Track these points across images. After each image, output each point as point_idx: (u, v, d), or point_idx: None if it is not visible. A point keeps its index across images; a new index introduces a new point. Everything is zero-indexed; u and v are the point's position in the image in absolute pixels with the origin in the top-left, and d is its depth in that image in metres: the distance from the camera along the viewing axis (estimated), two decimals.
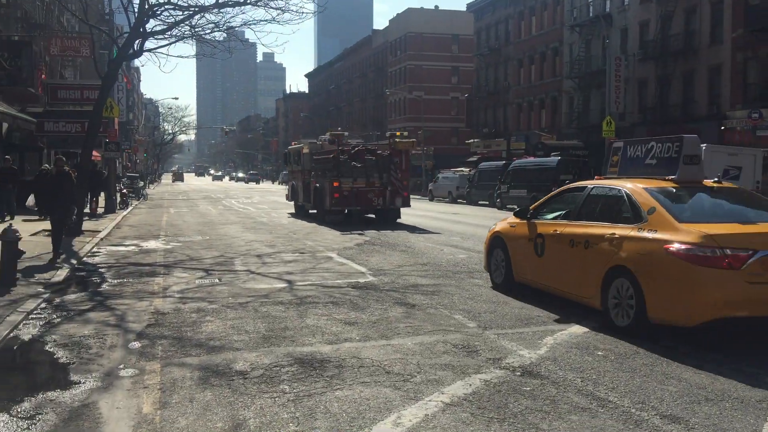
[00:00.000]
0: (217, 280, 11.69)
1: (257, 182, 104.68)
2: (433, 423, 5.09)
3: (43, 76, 31.87)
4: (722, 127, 36.23)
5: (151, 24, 20.11)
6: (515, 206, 23.47)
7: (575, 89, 49.70)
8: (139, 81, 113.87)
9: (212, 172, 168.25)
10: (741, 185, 23.63)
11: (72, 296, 10.30)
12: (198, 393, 5.75)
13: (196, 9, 19.41)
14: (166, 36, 19.99)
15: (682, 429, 5.02)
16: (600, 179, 9.87)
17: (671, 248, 7.20)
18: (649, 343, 7.37)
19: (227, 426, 5.05)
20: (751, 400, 5.65)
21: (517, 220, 10.38)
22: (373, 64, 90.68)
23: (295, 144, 31.97)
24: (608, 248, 8.02)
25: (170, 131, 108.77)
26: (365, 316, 8.72)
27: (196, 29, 19.97)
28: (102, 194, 28.33)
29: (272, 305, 9.40)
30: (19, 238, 10.83)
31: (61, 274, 11.73)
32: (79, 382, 6.06)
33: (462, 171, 49.24)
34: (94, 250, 15.98)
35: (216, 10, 19.60)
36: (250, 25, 20.56)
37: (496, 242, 10.80)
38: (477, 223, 24.06)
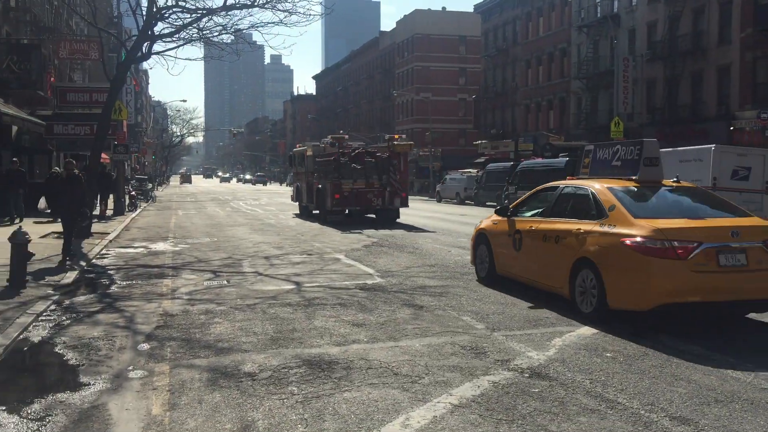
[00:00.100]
0: (225, 282, 11.71)
1: (264, 184, 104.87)
2: (441, 424, 5.08)
3: (52, 79, 32.05)
4: (731, 128, 36.06)
5: (160, 27, 20.18)
6: None
7: (583, 90, 49.58)
8: (148, 83, 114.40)
9: (220, 174, 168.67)
10: (750, 186, 23.73)
11: (81, 298, 10.35)
12: (207, 394, 5.76)
13: (204, 12, 19.47)
14: (174, 39, 20.06)
15: (692, 431, 5.00)
16: (571, 179, 10.66)
17: (627, 241, 7.96)
18: (658, 344, 7.35)
19: (236, 427, 5.06)
20: (761, 401, 5.62)
21: (499, 218, 11.18)
22: (381, 65, 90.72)
23: (299, 146, 32.71)
24: (575, 242, 8.81)
25: (178, 133, 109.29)
26: (373, 317, 8.72)
27: (204, 32, 20.03)
28: (111, 196, 28.45)
29: (280, 307, 9.42)
30: (29, 241, 10.88)
31: (70, 276, 11.78)
32: (89, 384, 6.08)
33: (470, 172, 49.19)
34: (103, 252, 16.04)
35: (224, 12, 19.66)
36: (257, 27, 20.60)
37: (481, 239, 11.64)
38: None
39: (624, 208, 8.46)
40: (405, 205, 25.29)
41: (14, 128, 25.38)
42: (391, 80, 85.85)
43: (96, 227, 20.20)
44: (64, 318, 8.86)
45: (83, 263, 13.44)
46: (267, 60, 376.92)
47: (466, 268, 13.06)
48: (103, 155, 28.41)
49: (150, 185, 51.55)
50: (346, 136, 28.60)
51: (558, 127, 52.85)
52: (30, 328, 8.20)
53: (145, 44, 20.32)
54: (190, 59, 23.28)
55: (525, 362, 6.68)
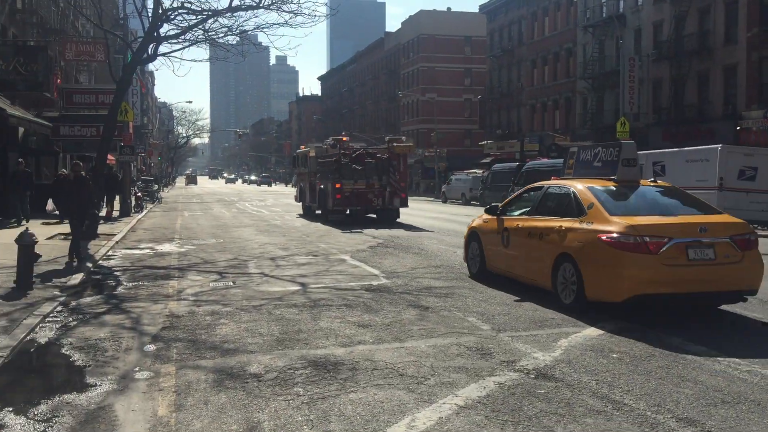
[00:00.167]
0: (231, 283, 11.73)
1: (269, 185, 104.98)
2: (447, 426, 5.08)
3: (58, 80, 32.18)
4: (738, 128, 35.92)
5: (165, 28, 20.23)
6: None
7: (589, 90, 49.48)
8: (153, 85, 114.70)
9: (225, 175, 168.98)
10: (757, 186, 23.65)
11: (88, 299, 10.37)
12: (212, 395, 5.77)
13: (210, 13, 19.53)
14: (179, 40, 20.14)
15: None
16: (556, 179, 11.22)
17: (603, 237, 8.52)
18: (665, 345, 7.33)
19: (242, 428, 5.06)
20: None
21: (489, 217, 11.74)
22: (386, 66, 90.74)
23: (303, 148, 33.45)
24: (557, 238, 9.40)
25: (184, 134, 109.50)
26: (379, 318, 8.72)
27: (210, 33, 20.11)
28: (117, 198, 28.53)
29: (286, 308, 9.43)
30: (36, 242, 10.92)
31: (77, 278, 11.82)
32: (95, 385, 6.10)
33: (475, 173, 49.13)
34: (110, 253, 16.09)
35: (229, 14, 19.73)
36: (263, 28, 20.92)
37: (472, 236, 12.24)
38: None
39: (601, 206, 9.02)
40: (405, 205, 25.84)
41: (21, 130, 25.48)
42: (396, 81, 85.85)
43: (102, 228, 20.25)
44: (70, 319, 8.88)
45: (89, 264, 13.48)
46: (272, 61, 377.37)
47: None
48: (109, 156, 28.49)
49: (156, 186, 51.67)
50: (347, 138, 29.13)
51: (564, 128, 52.75)
52: (37, 329, 8.23)
53: (151, 46, 20.40)
54: (195, 60, 23.54)
55: (531, 363, 6.67)
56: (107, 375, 6.40)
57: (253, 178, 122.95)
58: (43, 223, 21.29)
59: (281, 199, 48.15)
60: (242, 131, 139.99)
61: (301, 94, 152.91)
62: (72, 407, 5.53)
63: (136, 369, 6.59)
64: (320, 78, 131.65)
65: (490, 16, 66.34)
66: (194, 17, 19.63)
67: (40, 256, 12.56)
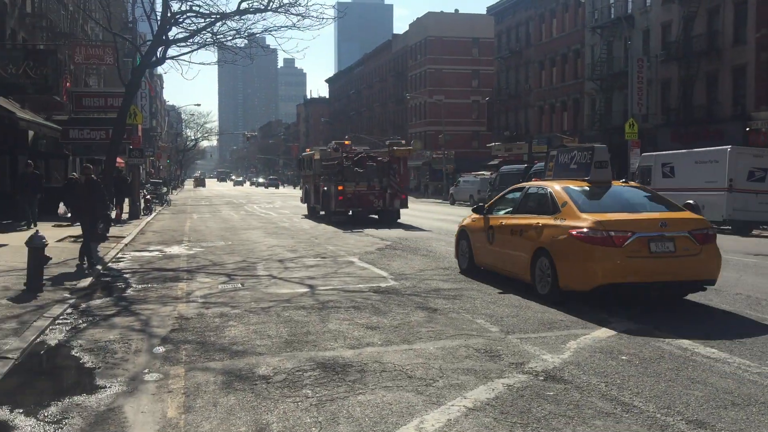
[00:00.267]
0: (239, 285, 11.76)
1: (276, 187, 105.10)
2: (455, 428, 5.08)
3: (68, 84, 32.35)
4: (747, 129, 35.75)
5: (174, 32, 20.40)
6: None
7: (597, 91, 49.34)
8: (162, 88, 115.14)
9: (233, 177, 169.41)
10: (767, 187, 23.50)
11: (97, 301, 10.42)
12: (221, 397, 5.78)
13: (218, 16, 19.60)
14: (188, 43, 20.22)
15: None
16: (536, 180, 12.27)
17: (573, 232, 9.32)
18: (674, 346, 7.30)
19: (250, 430, 5.07)
20: None
21: (477, 216, 12.54)
22: (393, 68, 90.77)
23: (308, 151, 34.63)
24: (534, 234, 10.22)
25: (193, 137, 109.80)
26: (387, 320, 8.72)
27: (218, 36, 20.18)
28: (126, 200, 28.65)
29: (294, 310, 9.44)
30: (46, 245, 10.98)
31: (86, 280, 11.87)
32: (105, 387, 6.12)
33: (483, 174, 49.10)
34: (119, 255, 16.15)
35: (237, 17, 19.80)
36: (270, 31, 20.77)
37: (462, 234, 13.08)
38: None
39: (573, 204, 9.84)
40: (405, 206, 26.90)
41: (30, 133, 25.64)
42: (403, 83, 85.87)
43: (112, 231, 20.33)
44: (80, 321, 8.92)
45: (99, 267, 13.54)
46: (280, 64, 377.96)
47: (480, 270, 13.06)
48: (119, 159, 28.62)
49: (165, 189, 51.82)
50: (349, 142, 30.27)
51: (572, 129, 52.63)
52: (47, 331, 8.27)
53: (160, 49, 20.49)
54: (204, 63, 23.75)
55: (540, 365, 6.65)
56: (117, 377, 6.42)
57: (260, 180, 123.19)
58: (54, 226, 21.41)
59: (289, 202, 48.21)
60: (250, 134, 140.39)
61: (308, 97, 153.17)
62: (82, 409, 5.56)
63: (146, 371, 6.61)
64: (328, 80, 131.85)
65: (497, 18, 66.27)
66: (202, 20, 19.73)
67: (50, 258, 12.63)
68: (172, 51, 23.36)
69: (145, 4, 20.82)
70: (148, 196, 34.91)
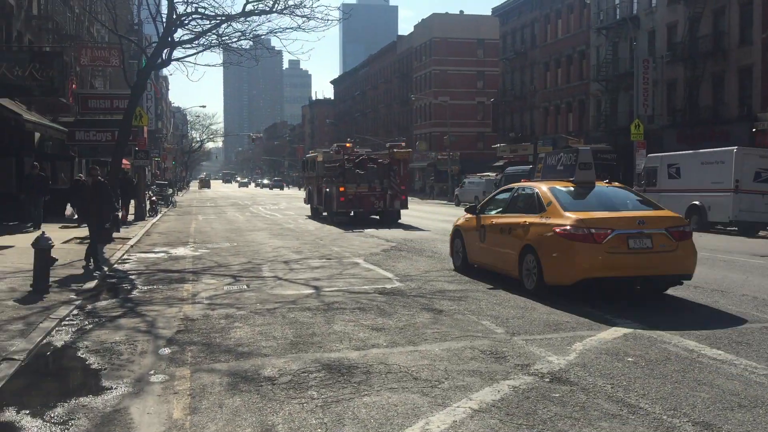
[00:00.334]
0: (245, 287, 11.77)
1: (281, 188, 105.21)
2: (461, 429, 5.07)
3: (74, 86, 32.43)
4: (753, 129, 35.63)
5: (179, 33, 20.37)
6: None
7: (603, 92, 49.26)
8: (168, 90, 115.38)
9: (238, 179, 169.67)
10: None
11: (103, 303, 10.44)
12: (227, 399, 5.79)
13: (223, 18, 19.62)
14: (193, 45, 20.24)
15: None
16: (525, 182, 12.93)
17: (557, 229, 9.87)
18: (680, 348, 7.28)
19: (256, 431, 5.08)
20: None
21: (470, 216, 13.04)
22: (398, 69, 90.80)
23: (312, 153, 35.54)
24: (522, 232, 10.75)
25: (198, 139, 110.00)
26: (392, 322, 8.72)
27: (223, 38, 20.19)
28: (132, 202, 28.71)
29: (300, 311, 9.44)
30: (52, 246, 11.01)
31: (92, 281, 11.90)
32: (111, 388, 6.13)
33: (488, 176, 49.04)
34: (125, 257, 16.19)
35: (243, 18, 19.80)
36: (276, 33, 20.76)
37: (456, 234, 13.64)
38: None
39: (557, 203, 10.39)
40: (405, 207, 27.64)
41: (37, 135, 25.71)
42: (408, 84, 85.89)
43: (117, 233, 20.37)
44: (86, 322, 8.94)
45: (105, 268, 13.57)
46: (285, 65, 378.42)
47: (486, 272, 13.08)
48: (124, 161, 28.71)
49: (170, 190, 51.91)
50: (350, 144, 31.21)
51: (577, 130, 52.55)
52: (53, 332, 8.29)
53: (165, 51, 20.52)
54: (209, 65, 23.92)
55: (545, 367, 6.64)
56: (123, 378, 6.43)
57: (265, 181, 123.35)
58: (61, 227, 21.48)
59: (294, 203, 48.24)
60: (256, 135, 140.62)
61: (314, 98, 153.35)
62: (88, 410, 5.57)
63: (152, 372, 6.62)
64: (333, 81, 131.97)
65: (502, 19, 66.21)
66: (208, 22, 19.74)
67: (57, 259, 12.70)
68: (177, 53, 23.38)
69: (151, 7, 20.87)
70: (154, 198, 35.00)
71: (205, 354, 7.24)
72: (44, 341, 7.84)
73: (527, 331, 8.14)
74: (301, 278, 12.68)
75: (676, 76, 42.48)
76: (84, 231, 15.45)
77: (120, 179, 22.93)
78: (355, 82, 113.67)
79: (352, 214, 27.85)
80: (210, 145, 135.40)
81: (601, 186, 11.32)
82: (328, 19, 19.98)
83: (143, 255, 16.93)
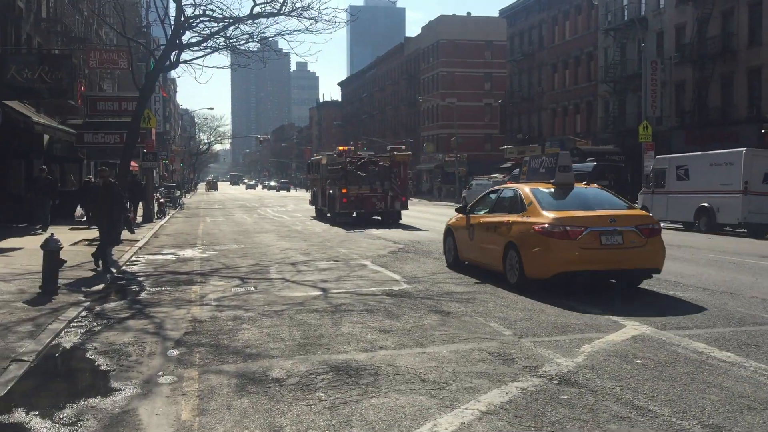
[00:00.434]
0: (252, 288, 11.79)
1: (288, 190, 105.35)
2: (469, 431, 5.06)
3: (82, 88, 32.60)
4: (762, 131, 35.42)
5: (187, 36, 20.43)
6: None
7: (611, 93, 49.13)
8: (176, 92, 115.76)
9: (246, 180, 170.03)
10: None
11: (112, 304, 10.48)
12: (235, 400, 5.80)
13: (231, 20, 19.69)
14: (201, 47, 20.32)
15: None
16: (510, 184, 14.15)
17: (536, 227, 10.63)
18: (690, 350, 7.25)
19: None
20: None
21: (460, 215, 13.89)
22: (406, 71, 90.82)
23: (316, 155, 37.00)
24: (505, 230, 11.49)
25: (206, 141, 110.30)
26: (400, 323, 8.71)
27: (231, 40, 20.25)
28: (140, 204, 28.80)
29: (307, 313, 9.45)
30: (61, 248, 11.06)
31: (101, 283, 11.94)
32: (120, 389, 6.15)
33: (496, 177, 48.97)
34: (133, 258, 16.23)
35: (250, 21, 19.88)
36: (283, 35, 20.77)
37: (448, 232, 14.44)
38: None
39: (537, 203, 11.13)
40: (405, 208, 28.55)
41: (46, 137, 25.83)
42: (416, 86, 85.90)
43: (125, 234, 20.43)
44: (95, 324, 8.97)
45: (114, 270, 13.61)
46: (293, 67, 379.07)
47: (493, 274, 13.09)
48: (133, 163, 28.80)
49: (178, 192, 52.07)
50: (353, 147, 32.48)
51: (585, 132, 52.43)
52: (62, 334, 8.32)
53: (173, 53, 20.61)
54: (217, 67, 23.74)
55: (554, 369, 6.62)
56: (131, 379, 6.45)
57: (272, 183, 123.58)
58: (70, 229, 21.57)
59: (301, 205, 48.30)
60: (263, 137, 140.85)
61: (321, 100, 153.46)
62: (96, 411, 5.59)
63: (160, 373, 6.64)
64: (340, 83, 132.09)
65: (510, 21, 66.14)
66: (216, 25, 19.81)
67: (65, 261, 12.75)
68: (185, 55, 23.52)
69: (159, 9, 20.95)
70: (162, 200, 35.11)
71: (213, 355, 7.26)
72: (53, 342, 7.87)
73: (535, 333, 8.12)
74: (309, 280, 12.69)
75: (684, 77, 42.33)
76: (93, 233, 15.52)
77: (128, 181, 23.00)
78: (363, 83, 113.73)
79: (354, 214, 28.57)
80: (217, 147, 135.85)
81: (579, 187, 12.04)
82: (335, 21, 20.02)
83: (151, 257, 16.98)
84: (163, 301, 10.67)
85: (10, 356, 7.05)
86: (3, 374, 6.51)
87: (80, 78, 32.60)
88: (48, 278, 10.64)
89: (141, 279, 13.13)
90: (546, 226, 10.48)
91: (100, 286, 11.62)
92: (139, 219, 27.55)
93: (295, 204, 51.30)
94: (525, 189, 11.86)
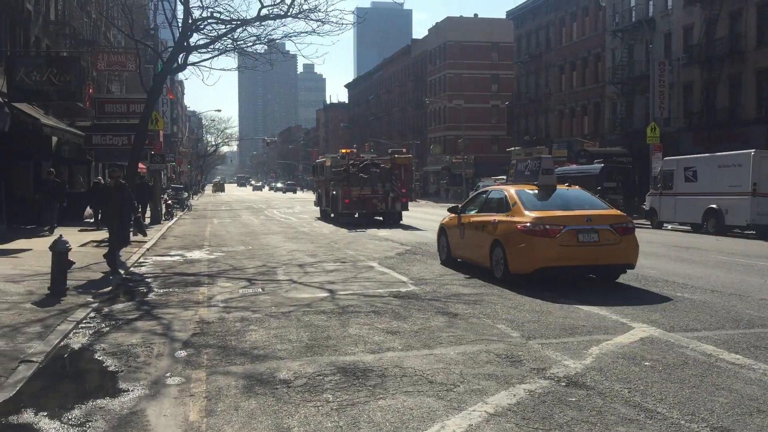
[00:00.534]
0: (260, 290, 11.81)
1: (294, 192, 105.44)
2: None
3: (90, 90, 32.73)
4: None
5: (195, 38, 20.48)
6: None
7: (618, 95, 48.99)
8: (183, 94, 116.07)
9: (252, 182, 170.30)
10: None
11: (120, 306, 10.51)
12: (243, 401, 5.81)
13: (238, 23, 19.74)
14: (209, 50, 20.39)
15: None
16: (497, 185, 15.10)
17: (518, 226, 11.41)
18: (698, 353, 7.22)
19: None
20: None
21: (453, 215, 14.52)
22: (413, 73, 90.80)
23: (321, 158, 38.31)
24: (492, 229, 12.25)
25: (213, 143, 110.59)
26: (407, 325, 8.71)
27: (238, 42, 20.32)
28: (148, 205, 28.89)
29: (315, 314, 9.46)
30: (69, 249, 11.10)
31: (109, 284, 11.98)
32: (128, 390, 6.17)
33: (503, 179, 48.85)
34: (141, 260, 16.29)
35: (257, 23, 19.92)
36: (290, 37, 20.82)
37: (442, 231, 15.14)
38: None
39: (521, 204, 11.89)
40: (405, 209, 29.49)
41: (54, 139, 25.92)
42: (423, 87, 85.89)
43: (133, 236, 20.48)
44: (103, 325, 9.00)
45: (122, 271, 13.66)
46: (300, 69, 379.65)
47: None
48: (140, 165, 28.88)
49: (185, 194, 52.19)
50: (356, 150, 33.55)
51: (592, 133, 52.28)
52: (70, 335, 8.35)
53: (181, 55, 20.68)
54: (224, 69, 23.79)
55: (561, 371, 6.60)
56: (139, 380, 6.47)
57: (279, 185, 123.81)
58: (79, 231, 21.64)
59: (308, 206, 48.32)
60: (270, 139, 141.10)
61: (328, 102, 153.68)
62: (105, 412, 5.61)
63: (168, 375, 6.65)
64: (347, 85, 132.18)
65: (517, 22, 66.04)
66: (223, 27, 19.86)
67: (74, 263, 12.79)
68: (193, 57, 23.53)
69: (167, 12, 21.04)
70: (170, 201, 35.21)
71: (221, 357, 7.27)
72: (62, 343, 7.90)
73: (543, 335, 8.11)
74: (316, 281, 12.70)
75: (692, 78, 42.17)
76: (101, 234, 15.57)
77: (137, 183, 23.08)
78: (370, 85, 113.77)
79: (356, 215, 29.50)
80: (225, 149, 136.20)
81: (561, 188, 12.86)
82: (342, 23, 20.16)
83: (159, 258, 17.03)
84: (171, 302, 10.70)
85: (19, 357, 7.08)
86: (12, 375, 6.54)
87: (88, 80, 32.73)
88: (56, 279, 10.68)
89: (149, 280, 13.17)
90: (528, 224, 11.24)
91: (109, 288, 11.66)
92: (147, 221, 27.62)
93: (302, 205, 51.35)
94: (510, 190, 12.59)
